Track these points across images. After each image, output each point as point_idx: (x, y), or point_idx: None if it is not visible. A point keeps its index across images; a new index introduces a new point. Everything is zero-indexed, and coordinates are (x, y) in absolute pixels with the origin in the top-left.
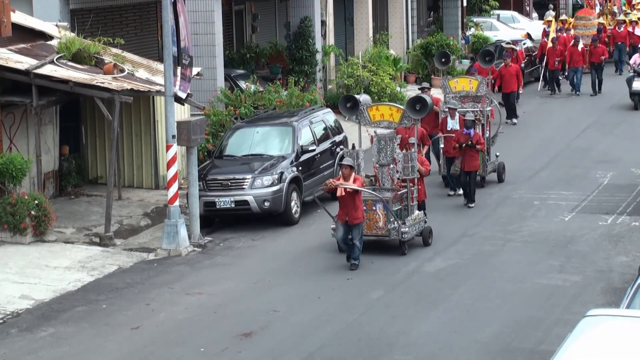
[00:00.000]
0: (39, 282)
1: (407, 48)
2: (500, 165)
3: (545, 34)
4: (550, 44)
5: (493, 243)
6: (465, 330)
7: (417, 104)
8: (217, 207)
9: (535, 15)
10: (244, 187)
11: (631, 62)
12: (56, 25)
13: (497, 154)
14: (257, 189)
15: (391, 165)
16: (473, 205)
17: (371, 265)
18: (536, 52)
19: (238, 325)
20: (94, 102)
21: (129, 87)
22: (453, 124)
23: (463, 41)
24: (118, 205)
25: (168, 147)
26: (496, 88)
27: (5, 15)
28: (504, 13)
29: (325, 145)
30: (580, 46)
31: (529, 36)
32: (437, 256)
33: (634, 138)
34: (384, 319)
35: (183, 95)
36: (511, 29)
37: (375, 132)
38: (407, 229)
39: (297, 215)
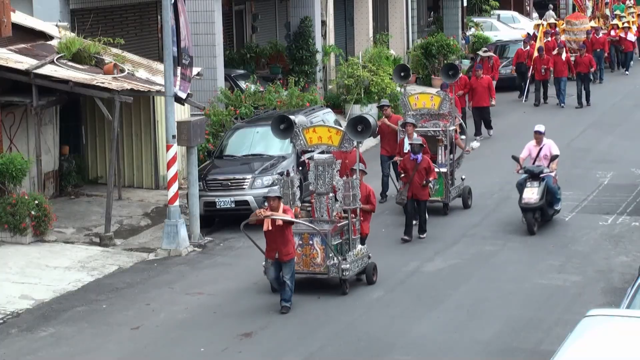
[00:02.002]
0: (39, 282)
1: (407, 48)
2: (466, 190)
3: (527, 38)
4: (536, 53)
5: (493, 243)
6: (465, 330)
7: (359, 124)
8: (217, 207)
9: (535, 15)
10: (244, 187)
11: (521, 156)
12: (56, 25)
13: (463, 177)
14: (257, 189)
15: (330, 194)
16: (424, 235)
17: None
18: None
19: (238, 325)
20: (94, 102)
21: (129, 87)
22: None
23: (463, 41)
24: (118, 205)
25: (168, 147)
26: (468, 103)
27: (5, 15)
28: (504, 13)
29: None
30: (564, 55)
31: (528, 36)
32: (437, 256)
33: (634, 138)
34: (384, 319)
35: (183, 95)
36: (511, 29)
37: (311, 157)
38: (348, 266)
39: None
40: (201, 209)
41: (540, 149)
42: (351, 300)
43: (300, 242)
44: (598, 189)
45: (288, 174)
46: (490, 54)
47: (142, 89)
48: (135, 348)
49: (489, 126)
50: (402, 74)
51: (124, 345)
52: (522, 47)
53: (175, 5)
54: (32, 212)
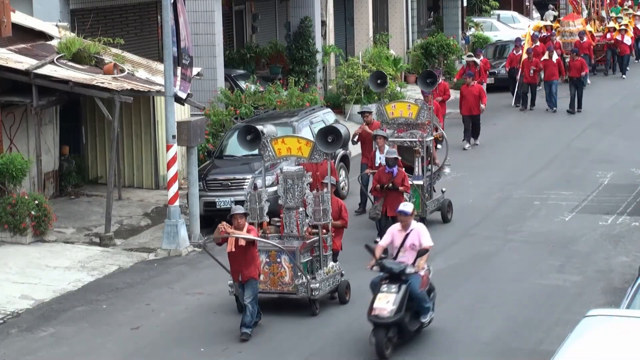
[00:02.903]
0: (39, 282)
1: (407, 48)
2: (446, 203)
3: (519, 42)
4: (525, 55)
5: (493, 243)
6: (466, 330)
7: (329, 135)
8: (217, 207)
9: (537, 15)
10: (244, 187)
11: (381, 243)
12: (56, 25)
13: (443, 189)
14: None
15: (300, 209)
16: None
17: None
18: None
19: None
20: (94, 102)
21: (129, 87)
22: (383, 157)
23: (463, 41)
24: (118, 205)
25: (168, 147)
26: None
27: (5, 15)
28: (504, 13)
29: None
30: (555, 57)
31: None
32: (437, 256)
33: (634, 138)
34: None
35: (183, 96)
36: (511, 29)
37: (280, 169)
38: (317, 285)
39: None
40: (201, 209)
41: (407, 236)
42: (351, 300)
43: (268, 259)
44: (598, 189)
45: (255, 187)
46: (474, 58)
47: (142, 89)
48: (135, 348)
49: (476, 134)
50: (379, 81)
51: (124, 345)
52: (514, 52)
53: (175, 5)
54: (32, 212)
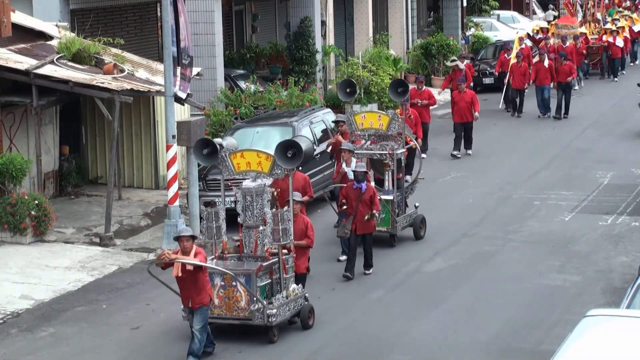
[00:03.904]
0: (39, 282)
1: (407, 48)
2: (419, 219)
3: (509, 45)
4: (514, 60)
5: (493, 243)
6: (465, 330)
7: (289, 149)
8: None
9: (542, 15)
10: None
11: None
12: (56, 25)
13: (417, 204)
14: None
15: (260, 228)
16: (370, 271)
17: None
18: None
19: (238, 325)
20: (94, 102)
21: (129, 87)
22: (349, 171)
23: (463, 41)
24: (118, 205)
25: (168, 147)
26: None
27: (5, 15)
28: (504, 13)
29: (325, 145)
30: (547, 62)
31: (528, 36)
32: (437, 256)
33: (634, 138)
34: (384, 319)
35: (183, 96)
36: (511, 29)
37: (240, 185)
38: (274, 311)
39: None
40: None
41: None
42: (351, 300)
43: (223, 283)
44: (598, 189)
45: (213, 204)
46: (457, 62)
47: (142, 89)
48: (135, 348)
49: (469, 144)
50: (348, 90)
51: (124, 345)
52: (505, 55)
53: (175, 5)
54: (32, 212)
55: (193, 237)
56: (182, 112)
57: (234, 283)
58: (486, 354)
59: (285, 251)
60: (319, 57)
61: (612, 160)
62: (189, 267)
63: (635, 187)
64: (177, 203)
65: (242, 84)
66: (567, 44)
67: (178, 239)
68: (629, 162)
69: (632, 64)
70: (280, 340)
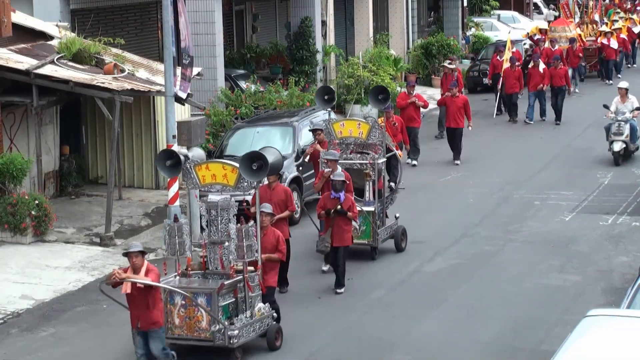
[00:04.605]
0: (40, 282)
1: (408, 48)
2: (400, 231)
3: (502, 47)
4: (506, 64)
5: (493, 243)
6: (466, 330)
7: (254, 162)
8: None
9: (548, 12)
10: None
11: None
12: (56, 25)
13: (397, 215)
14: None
15: (226, 243)
16: (342, 290)
17: (372, 265)
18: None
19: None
20: (95, 102)
21: (129, 87)
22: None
23: (463, 41)
24: (118, 205)
25: (168, 147)
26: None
27: (6, 15)
28: (505, 13)
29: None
30: (542, 67)
31: (528, 36)
32: (437, 256)
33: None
34: (384, 319)
35: (183, 95)
36: (511, 29)
37: (205, 198)
38: (236, 332)
39: (297, 216)
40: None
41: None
42: (351, 300)
43: (184, 302)
44: (598, 189)
45: (176, 219)
46: (445, 63)
47: (142, 89)
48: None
49: (458, 153)
50: (326, 97)
51: (124, 345)
52: (498, 57)
53: (175, 5)
54: (33, 212)
55: (142, 253)
56: (182, 112)
57: (194, 302)
58: (486, 354)
59: (251, 268)
60: (319, 57)
61: (613, 160)
62: (140, 285)
63: (636, 187)
64: (177, 203)
65: (243, 84)
66: (556, 47)
67: (127, 255)
68: (629, 162)
69: (629, 66)
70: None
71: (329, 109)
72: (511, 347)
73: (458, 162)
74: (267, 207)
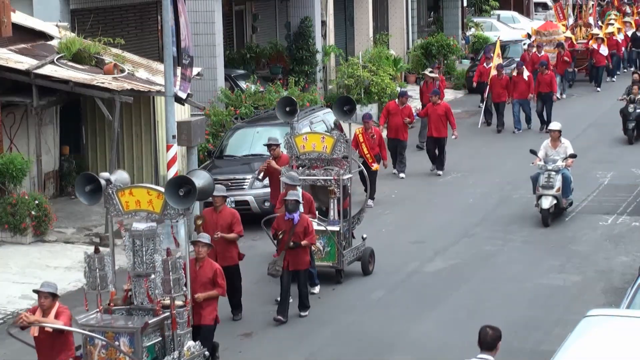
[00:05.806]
0: (40, 282)
1: (408, 48)
2: (368, 252)
3: (489, 54)
4: (494, 71)
5: (493, 243)
6: (465, 330)
7: (181, 187)
8: None
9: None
10: (244, 187)
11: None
12: (56, 26)
13: (364, 236)
14: (257, 189)
15: (152, 276)
16: (306, 313)
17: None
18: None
19: (238, 325)
20: (95, 102)
21: (129, 87)
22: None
23: (463, 41)
24: None
25: (168, 147)
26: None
27: (6, 15)
28: (504, 13)
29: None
30: (527, 74)
31: (528, 36)
32: (437, 256)
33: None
34: (384, 319)
35: (183, 96)
36: (511, 29)
37: (130, 227)
38: None
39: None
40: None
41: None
42: (351, 300)
43: (105, 342)
44: (598, 189)
45: (97, 250)
46: (426, 72)
47: (142, 89)
48: None
49: (441, 163)
50: (288, 109)
51: None
52: (485, 65)
53: (175, 5)
54: (33, 212)
55: (54, 295)
56: (182, 112)
57: (116, 342)
58: None
59: (179, 303)
60: (319, 57)
61: (612, 160)
62: (48, 329)
63: (635, 187)
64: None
65: (243, 84)
66: (542, 52)
67: (37, 293)
68: (629, 162)
69: (625, 70)
70: (280, 340)
71: (295, 121)
72: (511, 347)
73: (440, 172)
74: (205, 237)
